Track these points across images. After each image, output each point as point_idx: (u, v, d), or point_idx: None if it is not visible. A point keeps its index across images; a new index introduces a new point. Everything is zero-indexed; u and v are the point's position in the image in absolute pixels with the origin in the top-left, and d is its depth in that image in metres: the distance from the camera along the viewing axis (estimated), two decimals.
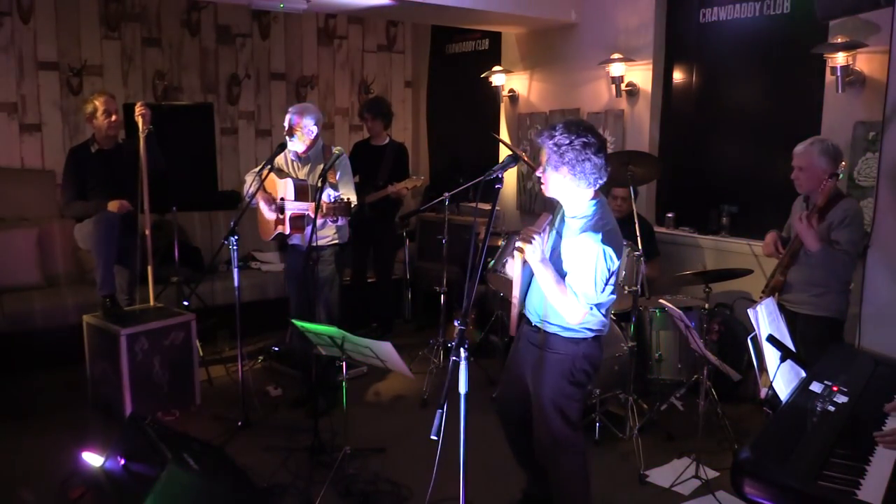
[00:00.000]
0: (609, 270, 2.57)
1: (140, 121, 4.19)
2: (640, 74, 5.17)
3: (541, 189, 2.76)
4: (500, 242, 4.19)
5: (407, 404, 4.47)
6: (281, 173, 4.16)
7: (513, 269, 2.78)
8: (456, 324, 2.30)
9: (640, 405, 4.04)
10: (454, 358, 2.24)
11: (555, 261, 2.66)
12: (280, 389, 4.54)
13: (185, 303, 4.61)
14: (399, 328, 5.89)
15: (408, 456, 3.67)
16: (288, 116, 4.08)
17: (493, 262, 4.02)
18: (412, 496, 3.31)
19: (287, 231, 4.09)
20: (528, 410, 2.84)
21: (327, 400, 4.06)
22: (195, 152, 5.11)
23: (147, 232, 4.31)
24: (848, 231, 3.31)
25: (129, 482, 2.81)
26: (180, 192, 4.93)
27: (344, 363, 3.24)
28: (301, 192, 4.04)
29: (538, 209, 5.99)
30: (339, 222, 3.98)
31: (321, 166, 4.06)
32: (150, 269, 4.32)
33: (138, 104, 4.24)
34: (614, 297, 2.71)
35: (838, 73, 3.95)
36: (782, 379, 2.34)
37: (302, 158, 4.18)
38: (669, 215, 5.10)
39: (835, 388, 2.24)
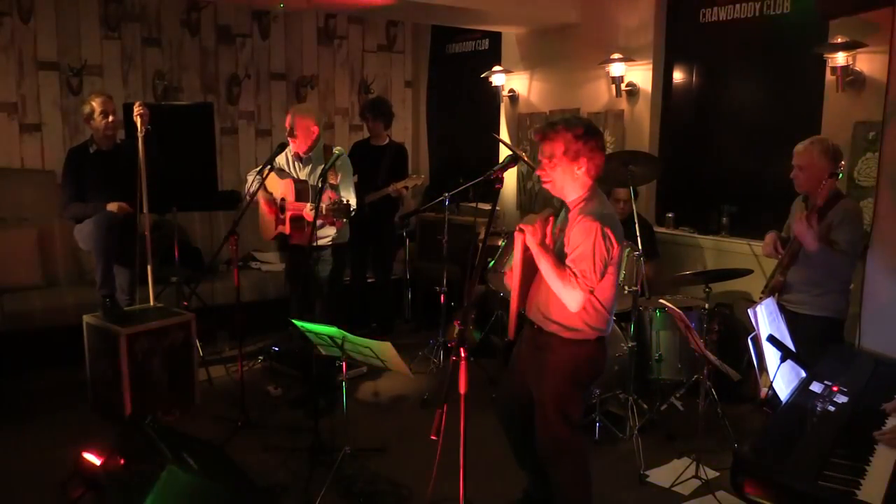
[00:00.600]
0: (608, 251, 2.56)
1: (139, 121, 4.18)
2: (640, 74, 5.17)
3: (541, 189, 2.77)
4: (500, 242, 4.20)
5: (407, 404, 4.46)
6: (282, 173, 4.16)
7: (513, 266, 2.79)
8: (456, 324, 2.31)
9: (640, 405, 4.03)
10: (454, 358, 2.24)
11: (559, 255, 2.66)
12: (280, 389, 4.54)
13: (185, 303, 4.62)
14: (399, 328, 5.88)
15: (408, 456, 3.67)
16: (288, 116, 4.08)
17: (493, 262, 4.03)
18: (412, 496, 3.31)
19: (287, 231, 4.09)
20: (529, 412, 2.83)
21: (327, 400, 4.06)
22: (195, 152, 5.11)
23: (147, 232, 4.31)
24: (847, 231, 3.31)
25: (129, 482, 2.81)
26: (180, 192, 4.93)
27: (344, 363, 3.24)
28: (302, 193, 4.04)
29: (538, 209, 5.98)
30: (338, 225, 3.98)
31: (322, 166, 4.06)
32: (150, 269, 4.32)
33: (137, 104, 4.23)
34: (617, 290, 2.70)
35: (838, 73, 3.95)
36: (782, 379, 2.34)
37: (303, 159, 4.18)
38: (669, 215, 5.10)
39: (835, 388, 2.24)
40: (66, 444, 3.57)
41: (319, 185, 3.89)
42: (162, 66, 6.02)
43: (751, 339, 2.51)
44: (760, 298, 3.18)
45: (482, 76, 6.20)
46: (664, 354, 4.11)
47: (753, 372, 3.36)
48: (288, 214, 4.06)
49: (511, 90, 6.25)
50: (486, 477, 3.39)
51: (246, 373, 4.23)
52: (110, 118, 4.24)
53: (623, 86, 5.20)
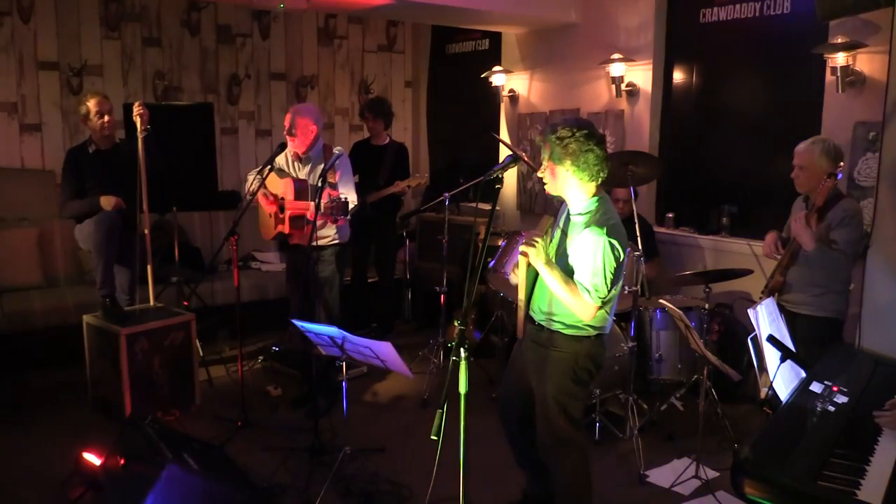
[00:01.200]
0: (616, 262, 2.57)
1: (138, 121, 4.18)
2: (640, 74, 5.17)
3: (541, 189, 2.77)
4: (500, 242, 4.20)
5: (407, 404, 4.46)
6: (282, 173, 4.16)
7: (517, 273, 2.79)
8: (456, 324, 2.31)
9: (640, 405, 4.03)
10: (454, 358, 2.24)
11: (561, 260, 2.67)
12: (280, 389, 4.54)
13: (185, 303, 4.62)
14: (399, 328, 5.88)
15: (408, 456, 3.67)
16: (288, 116, 4.08)
17: (493, 262, 4.03)
18: (412, 496, 3.31)
19: (287, 231, 4.09)
20: (529, 409, 2.84)
21: (327, 400, 4.06)
22: (195, 152, 5.11)
23: (147, 232, 4.31)
24: (847, 231, 3.31)
25: (129, 482, 2.82)
26: (180, 192, 4.93)
27: (344, 363, 3.24)
28: (301, 192, 4.04)
29: (538, 209, 5.99)
30: (339, 222, 3.98)
31: (321, 166, 4.07)
32: (149, 269, 4.32)
33: (136, 104, 4.23)
34: (617, 292, 2.71)
35: (838, 73, 3.95)
36: (782, 379, 2.34)
37: (302, 158, 4.18)
38: (669, 215, 5.10)
39: (835, 388, 2.24)
40: (66, 444, 3.58)
41: (319, 185, 3.89)
42: (162, 66, 6.02)
43: (751, 339, 2.50)
44: (760, 298, 3.18)
45: (482, 76, 6.19)
46: (664, 354, 4.11)
47: (753, 372, 3.37)
48: (287, 214, 4.06)
49: (511, 90, 6.25)
50: (486, 477, 3.39)
51: (246, 373, 4.23)
52: (106, 118, 4.22)
53: (623, 86, 5.20)
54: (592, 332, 2.71)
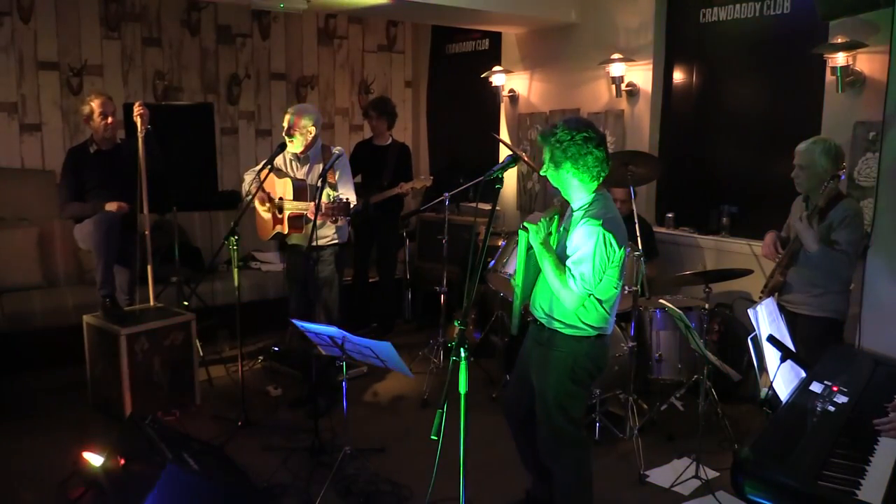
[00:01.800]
0: (609, 258, 2.57)
1: (138, 121, 4.18)
2: (640, 74, 5.17)
3: (541, 189, 2.78)
4: (500, 242, 4.20)
5: (407, 404, 4.46)
6: (280, 173, 4.16)
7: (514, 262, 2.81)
8: (456, 324, 2.31)
9: (640, 405, 4.04)
10: (454, 358, 2.24)
11: (561, 256, 2.67)
12: (280, 389, 4.54)
13: (185, 303, 4.62)
14: (399, 328, 5.89)
15: (408, 456, 3.67)
16: (287, 117, 4.08)
17: (493, 262, 4.03)
18: (412, 496, 3.31)
19: (285, 231, 4.09)
20: (533, 410, 2.84)
21: (327, 400, 4.06)
22: (195, 152, 5.11)
23: (147, 232, 4.31)
24: (848, 231, 3.30)
25: (129, 482, 2.82)
26: (180, 192, 4.93)
27: (344, 363, 3.24)
28: (300, 192, 4.04)
29: (538, 209, 5.98)
30: (339, 222, 3.98)
31: (320, 166, 4.07)
32: (149, 269, 4.32)
33: (137, 104, 4.23)
34: (617, 291, 2.71)
35: (838, 73, 3.95)
36: (782, 379, 2.34)
37: (301, 158, 4.18)
38: (669, 215, 5.10)
39: (835, 388, 2.24)
40: (66, 444, 3.58)
41: (318, 185, 3.89)
42: (162, 66, 6.02)
43: (751, 339, 2.50)
44: (760, 298, 3.18)
45: (482, 76, 6.19)
46: (664, 354, 4.11)
47: (753, 372, 3.37)
48: (287, 214, 4.06)
49: (511, 90, 6.25)
50: (486, 477, 3.39)
51: (246, 373, 4.23)
52: (109, 119, 4.23)
53: (623, 86, 5.20)
54: (592, 333, 2.71)
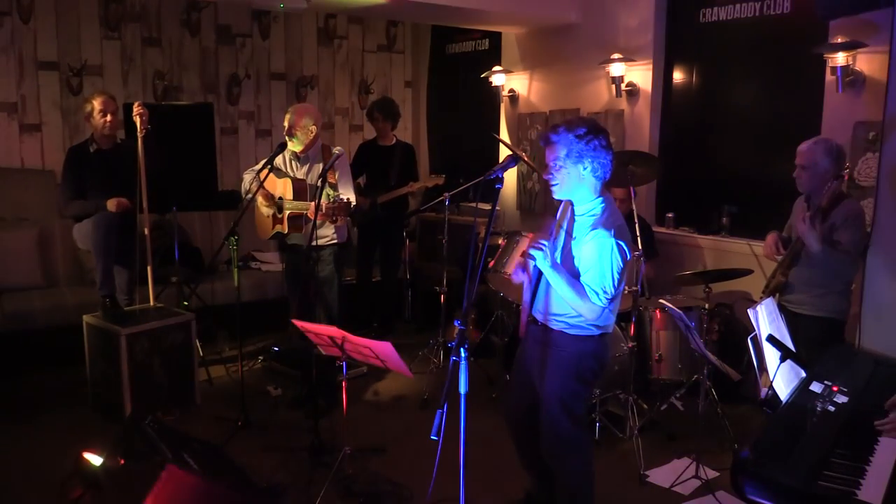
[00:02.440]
0: (623, 263, 2.59)
1: (138, 121, 4.18)
2: (640, 74, 5.17)
3: (541, 189, 2.78)
4: (501, 242, 4.20)
5: (407, 404, 4.46)
6: (279, 173, 4.16)
7: (519, 274, 2.79)
8: (456, 324, 2.30)
9: (640, 405, 4.03)
10: (454, 358, 2.24)
11: (566, 260, 2.67)
12: (280, 389, 4.54)
13: (185, 303, 4.62)
14: (399, 328, 5.88)
15: (408, 456, 3.67)
16: (287, 116, 4.08)
17: (493, 262, 4.03)
18: (412, 496, 3.31)
19: (285, 230, 4.09)
20: (534, 411, 2.83)
21: (327, 400, 4.06)
22: (195, 152, 5.11)
23: (147, 232, 4.31)
24: (850, 232, 3.30)
25: (129, 482, 2.81)
26: (180, 192, 4.93)
27: (344, 363, 3.24)
28: (300, 192, 4.04)
29: (538, 209, 5.99)
30: (339, 223, 3.98)
31: (320, 166, 4.07)
32: (149, 269, 4.32)
33: (136, 104, 4.23)
34: (621, 289, 2.71)
35: (838, 73, 3.95)
36: (782, 379, 2.34)
37: (301, 158, 4.18)
38: (669, 215, 5.10)
39: (835, 388, 2.24)
40: (66, 444, 3.58)
41: (318, 185, 3.89)
42: (162, 66, 6.02)
43: (751, 339, 2.50)
44: (761, 298, 3.18)
45: (482, 76, 6.19)
46: (664, 354, 4.11)
47: (753, 372, 3.36)
48: (286, 213, 4.06)
49: (511, 90, 6.25)
50: (486, 477, 3.39)
51: (246, 373, 4.23)
52: (108, 117, 4.23)
53: (623, 86, 5.20)
54: (596, 332, 2.71)
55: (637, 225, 4.09)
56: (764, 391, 2.39)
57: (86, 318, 4.18)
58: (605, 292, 2.57)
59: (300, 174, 4.17)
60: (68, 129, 5.68)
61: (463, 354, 2.22)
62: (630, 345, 3.91)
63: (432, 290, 5.33)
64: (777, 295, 3.46)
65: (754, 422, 4.03)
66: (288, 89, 6.67)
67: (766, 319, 2.50)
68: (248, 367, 4.87)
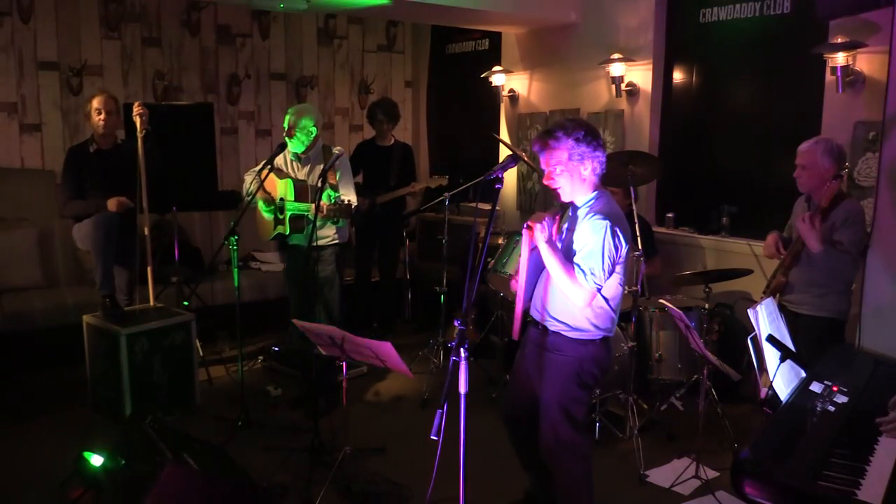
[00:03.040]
0: (616, 250, 2.59)
1: (138, 121, 4.18)
2: (640, 74, 5.17)
3: (541, 189, 2.78)
4: (500, 242, 4.20)
5: (407, 404, 4.46)
6: (280, 173, 4.16)
7: (517, 265, 2.79)
8: (456, 324, 2.30)
9: (640, 405, 4.03)
10: (454, 358, 2.24)
11: (566, 255, 2.67)
12: (280, 389, 4.54)
13: (185, 303, 4.61)
14: (399, 328, 5.89)
15: (408, 456, 3.67)
16: (287, 117, 4.08)
17: (493, 262, 4.03)
18: (412, 496, 3.31)
19: (287, 231, 4.09)
20: (533, 413, 2.83)
21: (327, 400, 4.06)
22: (195, 152, 5.11)
23: (147, 232, 4.31)
24: (851, 232, 3.30)
25: (129, 482, 2.82)
26: (180, 192, 4.93)
27: (344, 363, 3.24)
28: (301, 193, 4.04)
29: (538, 209, 5.98)
30: (340, 223, 3.99)
31: (321, 166, 4.07)
32: (149, 269, 4.32)
33: (136, 105, 4.23)
34: (622, 289, 2.71)
35: (838, 73, 3.95)
36: (782, 379, 2.34)
37: (301, 159, 4.18)
38: (669, 215, 5.10)
39: (835, 388, 2.24)
40: (66, 444, 3.58)
41: (319, 185, 3.89)
42: (162, 66, 6.02)
43: (751, 339, 2.50)
44: (761, 298, 3.18)
45: (482, 76, 6.19)
46: (664, 354, 4.11)
47: (753, 372, 3.36)
48: (288, 214, 4.06)
49: (511, 90, 6.25)
50: (486, 477, 3.38)
51: (246, 373, 4.23)
52: (102, 115, 4.21)
53: (623, 86, 5.20)
54: (597, 335, 2.71)
55: (637, 225, 4.09)
56: (764, 391, 2.39)
57: (86, 318, 4.18)
58: (592, 273, 2.57)
59: (301, 175, 4.17)
60: (68, 129, 5.68)
61: (463, 354, 2.22)
62: (630, 345, 3.91)
63: (432, 290, 5.33)
64: (777, 295, 3.46)
65: (754, 422, 4.03)
66: (288, 89, 6.67)
67: (766, 319, 2.50)
68: (248, 367, 4.87)
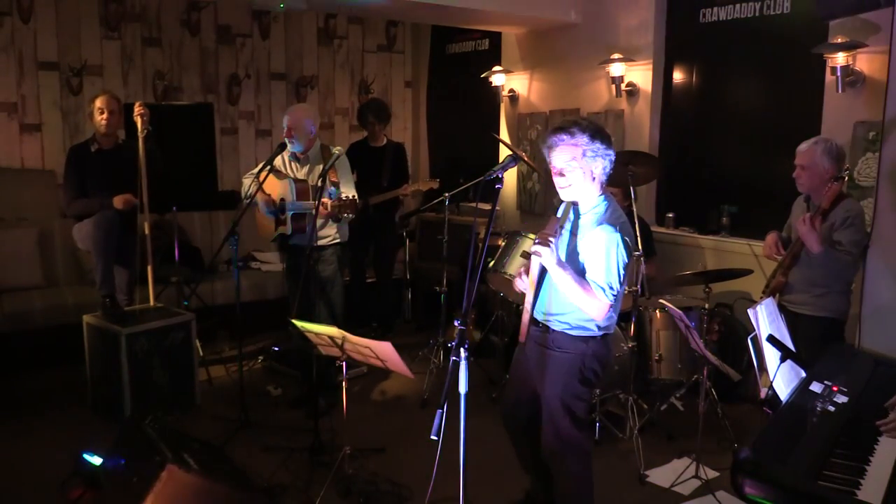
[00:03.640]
0: (626, 259, 2.60)
1: (139, 121, 4.18)
2: (640, 74, 5.17)
3: (541, 189, 2.78)
4: (501, 242, 4.20)
5: (407, 404, 4.46)
6: (279, 174, 4.16)
7: (523, 279, 2.78)
8: (456, 324, 2.30)
9: (640, 405, 4.03)
10: (454, 358, 2.24)
11: (571, 259, 2.67)
12: (280, 389, 4.54)
13: (185, 303, 4.61)
14: (399, 328, 5.89)
15: (408, 456, 3.67)
16: (286, 117, 4.08)
17: (493, 262, 4.03)
18: (412, 496, 3.31)
19: (289, 231, 4.09)
20: (534, 413, 2.83)
21: (327, 400, 4.06)
22: (195, 152, 5.11)
23: (147, 232, 4.31)
24: (850, 232, 3.30)
25: (129, 482, 2.81)
26: (180, 192, 4.93)
27: (344, 363, 3.24)
28: (302, 193, 4.04)
29: (538, 209, 5.98)
30: (343, 220, 3.98)
31: (320, 166, 4.07)
32: (150, 269, 4.32)
33: (137, 105, 4.23)
34: (623, 287, 2.72)
35: (838, 73, 3.95)
36: (782, 379, 2.34)
37: (300, 159, 4.19)
38: (669, 215, 5.10)
39: (835, 388, 2.24)
40: (66, 444, 3.58)
41: (319, 185, 3.89)
42: (162, 66, 6.02)
43: (751, 339, 2.50)
44: (761, 298, 3.18)
45: (482, 76, 6.19)
46: (664, 354, 4.11)
47: (753, 372, 3.36)
48: (289, 214, 4.06)
49: (511, 90, 6.25)
50: (486, 477, 3.39)
51: (246, 373, 4.23)
52: (104, 115, 4.21)
53: (623, 86, 5.20)
54: (598, 332, 2.71)
55: (636, 225, 4.09)
56: (764, 391, 2.39)
57: (86, 318, 4.18)
58: (611, 288, 2.58)
59: (301, 175, 4.17)
60: (68, 129, 5.68)
61: (463, 354, 2.22)
62: (630, 345, 3.91)
63: (432, 290, 5.33)
64: (777, 295, 3.46)
65: (754, 422, 4.03)
66: (288, 89, 6.67)
67: (766, 319, 2.50)
68: (248, 367, 4.87)
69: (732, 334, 4.28)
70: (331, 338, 3.13)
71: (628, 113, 5.27)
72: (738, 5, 4.70)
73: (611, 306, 2.62)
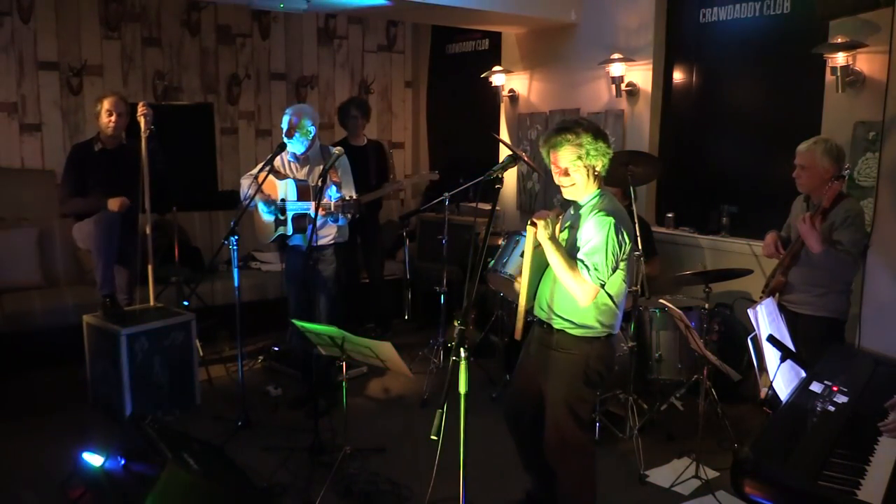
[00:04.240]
0: (620, 247, 2.60)
1: (142, 121, 4.18)
2: (640, 74, 5.17)
3: (541, 189, 2.79)
4: (500, 242, 4.20)
5: (407, 404, 4.46)
6: (278, 175, 4.16)
7: (519, 266, 2.79)
8: (456, 324, 2.31)
9: (640, 405, 4.03)
10: (454, 358, 2.24)
11: (569, 252, 2.68)
12: (280, 389, 4.54)
13: (185, 303, 4.61)
14: (399, 328, 5.88)
15: (408, 456, 3.67)
16: (286, 117, 4.08)
17: (493, 261, 4.03)
18: (412, 496, 3.31)
19: (290, 231, 4.09)
20: (536, 412, 2.83)
21: (327, 400, 4.06)
22: (195, 152, 5.11)
23: (148, 231, 4.31)
24: (850, 231, 3.30)
25: (129, 482, 2.82)
26: (180, 192, 4.93)
27: (344, 363, 3.24)
28: (303, 193, 4.04)
29: (538, 209, 5.97)
30: (340, 221, 3.98)
31: (320, 167, 4.07)
32: (150, 269, 4.32)
33: (140, 104, 4.23)
34: (626, 286, 2.72)
35: (838, 73, 3.95)
36: (782, 379, 2.34)
37: (300, 159, 4.19)
38: (669, 215, 5.10)
39: (835, 388, 2.24)
40: (66, 444, 3.58)
41: (319, 185, 3.89)
42: (162, 66, 6.02)
43: (751, 339, 2.50)
44: (760, 298, 3.18)
45: (482, 76, 6.19)
46: (664, 354, 4.11)
47: (753, 372, 3.36)
48: (290, 215, 4.06)
49: (511, 90, 6.25)
50: (486, 477, 3.39)
51: (246, 373, 4.23)
52: (113, 117, 4.22)
53: (623, 86, 5.20)
54: (602, 333, 2.71)
55: (636, 225, 4.09)
56: (764, 391, 2.39)
57: (86, 318, 4.18)
58: (596, 269, 2.58)
59: (300, 175, 4.17)
60: (68, 129, 5.68)
61: (463, 354, 2.22)
62: (630, 345, 3.91)
63: (432, 290, 5.33)
64: (777, 295, 3.46)
65: (754, 422, 4.03)
66: (288, 89, 6.67)
67: (766, 319, 2.50)
68: (248, 367, 4.87)
69: (732, 334, 4.28)
70: (331, 338, 3.13)
71: (628, 113, 5.27)
72: (738, 5, 4.70)
73: (598, 290, 2.60)
